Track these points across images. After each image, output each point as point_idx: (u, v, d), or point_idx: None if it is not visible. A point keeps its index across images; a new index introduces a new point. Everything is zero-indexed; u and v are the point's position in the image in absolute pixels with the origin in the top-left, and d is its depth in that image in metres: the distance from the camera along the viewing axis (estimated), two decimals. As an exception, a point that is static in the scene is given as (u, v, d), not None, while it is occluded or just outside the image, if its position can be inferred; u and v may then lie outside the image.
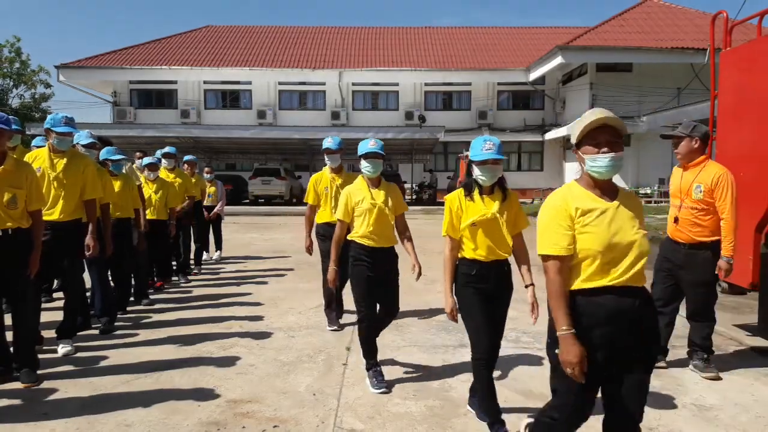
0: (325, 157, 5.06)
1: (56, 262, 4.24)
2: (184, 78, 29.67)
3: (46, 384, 3.67)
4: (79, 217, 4.39)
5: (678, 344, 4.31)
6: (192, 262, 8.12)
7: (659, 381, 3.72)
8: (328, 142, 4.99)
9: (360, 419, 3.21)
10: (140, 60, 29.57)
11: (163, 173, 7.26)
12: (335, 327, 5.04)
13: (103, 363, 4.12)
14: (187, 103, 30.15)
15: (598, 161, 2.09)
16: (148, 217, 6.20)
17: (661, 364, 3.99)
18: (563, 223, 2.12)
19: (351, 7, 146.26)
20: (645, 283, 2.14)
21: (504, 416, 2.97)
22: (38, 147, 5.05)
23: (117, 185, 5.35)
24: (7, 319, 3.80)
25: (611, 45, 24.09)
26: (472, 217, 2.93)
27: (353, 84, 30.54)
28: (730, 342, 4.73)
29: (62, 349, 4.25)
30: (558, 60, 24.56)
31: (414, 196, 27.24)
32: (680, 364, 4.08)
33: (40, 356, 3.96)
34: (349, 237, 3.79)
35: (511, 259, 3.06)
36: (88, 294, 5.00)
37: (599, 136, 2.10)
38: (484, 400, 3.01)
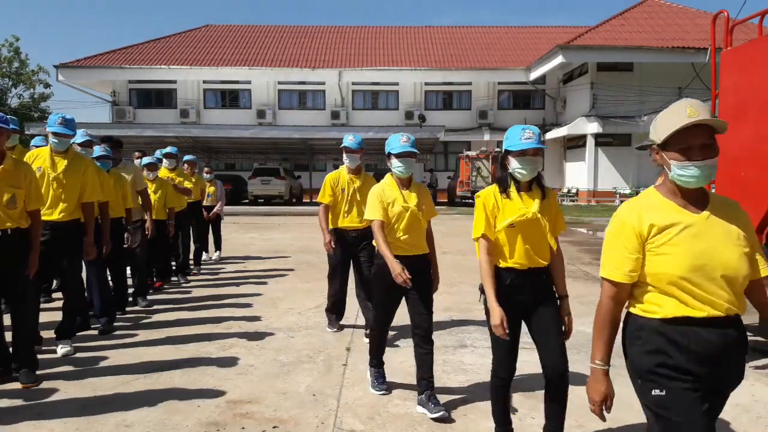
0: (344, 156, 4.72)
1: (55, 262, 4.24)
2: (184, 77, 29.69)
3: (45, 384, 3.66)
4: (79, 217, 4.38)
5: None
6: (191, 262, 8.11)
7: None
8: (349, 141, 4.68)
9: (360, 420, 3.20)
10: (139, 59, 29.58)
11: (163, 173, 7.26)
12: (335, 328, 5.03)
13: (102, 363, 4.12)
14: (187, 102, 30.16)
15: (689, 169, 1.70)
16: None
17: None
18: (628, 244, 1.78)
19: (351, 7, 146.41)
20: (742, 312, 1.79)
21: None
22: (37, 147, 5.05)
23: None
24: (7, 319, 3.80)
25: (612, 44, 24.13)
26: (510, 218, 2.56)
27: (353, 83, 30.55)
28: (731, 342, 4.72)
29: (61, 350, 4.25)
30: (559, 59, 24.59)
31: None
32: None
33: (40, 356, 3.95)
34: (374, 242, 3.42)
35: None
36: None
37: (692, 139, 1.70)
38: (500, 415, 2.82)
